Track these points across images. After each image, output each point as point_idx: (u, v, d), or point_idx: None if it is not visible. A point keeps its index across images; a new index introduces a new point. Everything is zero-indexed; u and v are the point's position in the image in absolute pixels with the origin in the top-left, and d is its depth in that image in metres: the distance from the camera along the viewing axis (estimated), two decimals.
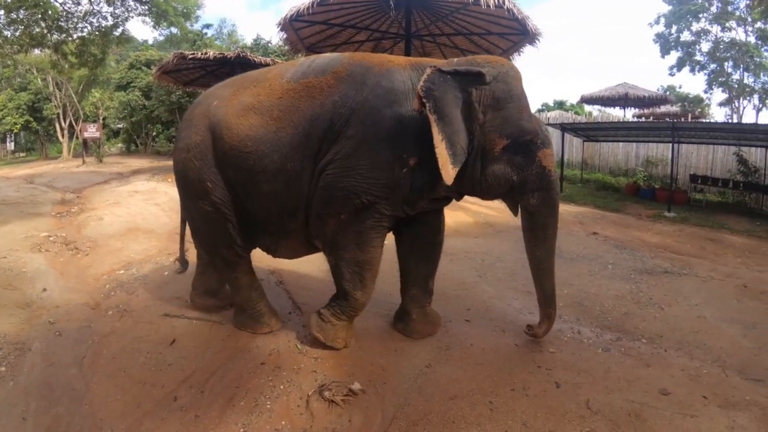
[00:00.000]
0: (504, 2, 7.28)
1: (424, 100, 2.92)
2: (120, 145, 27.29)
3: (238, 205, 3.58)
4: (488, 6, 7.19)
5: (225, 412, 2.76)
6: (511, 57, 10.16)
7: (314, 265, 5.62)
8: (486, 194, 3.35)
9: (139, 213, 8.72)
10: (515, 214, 3.48)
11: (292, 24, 9.23)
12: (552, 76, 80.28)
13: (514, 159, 3.15)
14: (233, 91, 3.63)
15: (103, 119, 25.01)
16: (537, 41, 8.98)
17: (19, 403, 2.90)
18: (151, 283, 5.04)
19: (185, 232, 4.39)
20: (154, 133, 24.05)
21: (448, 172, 2.90)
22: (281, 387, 2.98)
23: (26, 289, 4.78)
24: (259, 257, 5.87)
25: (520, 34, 9.10)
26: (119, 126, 26.45)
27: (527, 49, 9.76)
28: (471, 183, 3.21)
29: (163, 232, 7.47)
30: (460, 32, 10.08)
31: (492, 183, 3.19)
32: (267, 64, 13.58)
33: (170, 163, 15.76)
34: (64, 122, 25.18)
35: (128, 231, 7.36)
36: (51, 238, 6.85)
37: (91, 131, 20.22)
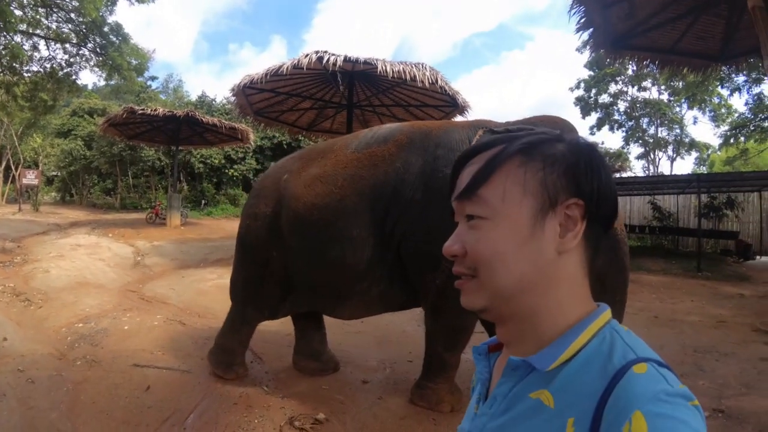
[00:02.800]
0: (437, 80, 8.27)
1: None
2: (54, 194, 26.41)
3: (297, 273, 3.69)
4: (423, 83, 8.12)
5: None
6: None
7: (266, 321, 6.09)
8: None
9: (86, 267, 8.82)
10: None
11: (243, 90, 9.87)
12: None
13: None
14: (302, 164, 3.81)
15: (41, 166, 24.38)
16: (467, 112, 10.08)
17: None
18: (113, 336, 5.28)
19: None
20: (91, 184, 23.54)
21: None
22: (255, 421, 3.43)
23: None
24: (214, 314, 6.30)
25: (452, 106, 10.17)
26: (54, 174, 25.73)
27: (458, 119, 10.83)
28: None
29: (113, 288, 7.68)
30: (398, 104, 11.06)
31: None
32: (214, 125, 14.07)
33: (108, 216, 15.78)
34: (0, 165, 24.29)
35: (78, 285, 7.52)
36: None
37: (30, 178, 19.72)
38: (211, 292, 7.70)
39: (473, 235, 0.72)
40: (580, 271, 0.72)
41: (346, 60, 8.16)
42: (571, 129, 3.35)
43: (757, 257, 13.44)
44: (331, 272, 3.50)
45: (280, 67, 8.49)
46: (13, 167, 24.60)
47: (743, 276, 10.96)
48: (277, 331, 5.66)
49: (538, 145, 0.72)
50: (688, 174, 17.30)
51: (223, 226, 16.92)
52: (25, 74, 12.40)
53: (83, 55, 12.72)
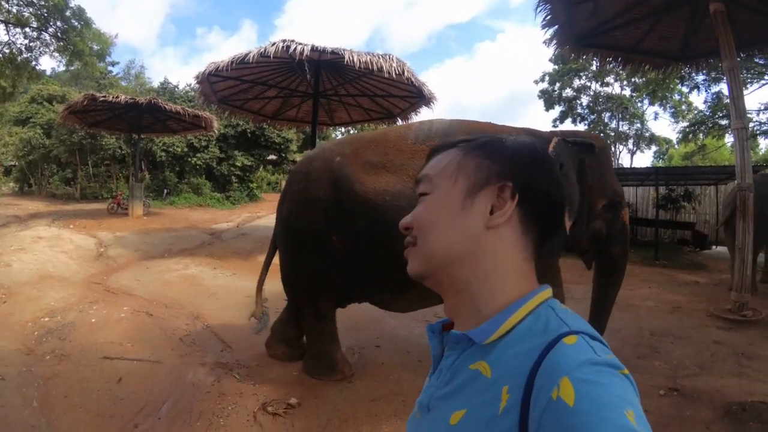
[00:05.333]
0: (404, 71, 8.36)
1: None
2: (12, 184, 25.40)
3: (361, 259, 3.66)
4: (390, 74, 8.20)
5: None
6: (409, 116, 11.40)
7: (234, 310, 6.14)
8: (582, 245, 3.92)
9: (49, 261, 8.65)
10: (589, 267, 4.21)
11: (208, 78, 9.77)
12: None
13: (606, 216, 3.82)
14: (354, 149, 3.79)
15: None
16: (432, 103, 10.23)
17: None
18: (81, 329, 5.25)
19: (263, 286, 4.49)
20: (50, 174, 22.79)
21: (566, 224, 3.46)
22: (229, 408, 3.53)
23: None
24: (181, 305, 6.30)
25: (418, 97, 10.29)
26: (12, 164, 24.74)
27: (423, 110, 11.05)
28: (577, 236, 3.73)
29: (77, 281, 7.57)
30: (364, 93, 11.12)
31: (591, 236, 3.82)
32: (178, 112, 13.83)
33: (68, 207, 15.26)
34: None
35: (41, 279, 7.38)
36: None
37: None
38: (176, 282, 7.69)
39: (418, 208, 0.83)
40: (517, 253, 0.78)
41: (313, 49, 8.17)
42: (608, 149, 3.79)
43: (713, 247, 13.90)
44: (399, 260, 3.54)
45: (246, 55, 8.44)
46: None
47: (699, 264, 11.41)
48: (244, 318, 5.72)
49: (487, 143, 0.82)
50: (648, 167, 17.90)
51: (187, 216, 16.70)
52: None
53: (44, 39, 12.25)
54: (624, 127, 28.81)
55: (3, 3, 11.32)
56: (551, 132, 3.99)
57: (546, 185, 0.80)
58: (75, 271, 8.17)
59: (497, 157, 0.80)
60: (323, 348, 4.06)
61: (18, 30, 11.91)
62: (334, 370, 4.03)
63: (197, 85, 10.53)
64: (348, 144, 3.96)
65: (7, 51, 12.04)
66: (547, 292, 0.78)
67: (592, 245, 3.98)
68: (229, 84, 10.79)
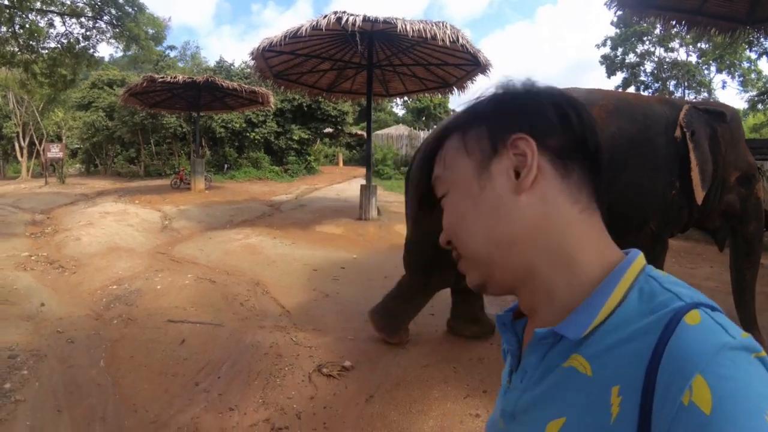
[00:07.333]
0: (458, 38, 8.09)
1: (686, 130, 3.33)
2: (78, 165, 26.87)
3: None
4: (444, 42, 7.98)
5: (243, 389, 3.35)
6: (465, 84, 11.11)
7: (293, 277, 6.23)
8: (714, 222, 3.72)
9: (116, 233, 9.07)
10: (722, 248, 3.94)
11: (263, 54, 9.83)
12: None
13: (740, 190, 3.61)
14: None
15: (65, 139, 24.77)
16: (488, 71, 9.89)
17: (49, 399, 3.33)
18: (147, 295, 5.48)
19: None
20: (114, 154, 23.90)
21: (699, 194, 3.32)
22: (286, 369, 3.60)
23: (24, 304, 5.12)
24: (242, 272, 6.45)
25: (473, 65, 9.98)
26: (77, 146, 26.11)
27: (479, 77, 10.68)
28: (709, 209, 3.60)
29: (143, 251, 7.90)
30: (419, 63, 10.89)
31: (724, 211, 3.64)
32: (235, 89, 14.08)
33: (133, 184, 16.06)
34: (24, 141, 24.67)
35: (109, 250, 7.75)
36: (33, 258, 7.20)
37: (55, 151, 19.84)
38: (238, 251, 7.88)
39: (444, 215, 0.71)
40: (571, 204, 0.66)
41: (365, 20, 8.03)
42: (739, 118, 3.62)
43: None
44: None
45: (299, 28, 8.39)
46: (36, 142, 24.94)
47: (765, 246, 10.68)
48: (302, 285, 5.82)
49: (478, 110, 0.70)
50: None
51: (247, 189, 17.14)
52: (42, 51, 12.31)
53: (99, 27, 12.55)
54: (690, 96, 27.02)
55: None
56: (682, 100, 3.80)
57: (555, 113, 0.66)
58: (141, 243, 8.53)
59: (495, 114, 0.67)
60: (403, 310, 4.00)
61: (74, 20, 12.29)
62: (396, 333, 4.00)
63: (252, 62, 10.61)
64: None
65: (65, 41, 12.45)
66: (641, 258, 0.63)
67: (725, 222, 3.76)
68: (284, 59, 10.82)
